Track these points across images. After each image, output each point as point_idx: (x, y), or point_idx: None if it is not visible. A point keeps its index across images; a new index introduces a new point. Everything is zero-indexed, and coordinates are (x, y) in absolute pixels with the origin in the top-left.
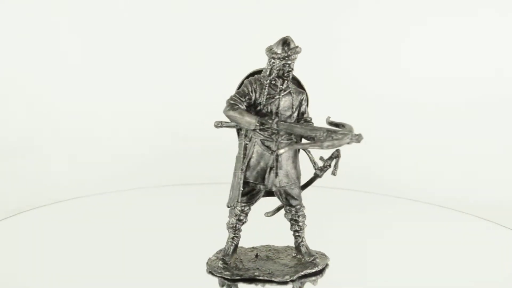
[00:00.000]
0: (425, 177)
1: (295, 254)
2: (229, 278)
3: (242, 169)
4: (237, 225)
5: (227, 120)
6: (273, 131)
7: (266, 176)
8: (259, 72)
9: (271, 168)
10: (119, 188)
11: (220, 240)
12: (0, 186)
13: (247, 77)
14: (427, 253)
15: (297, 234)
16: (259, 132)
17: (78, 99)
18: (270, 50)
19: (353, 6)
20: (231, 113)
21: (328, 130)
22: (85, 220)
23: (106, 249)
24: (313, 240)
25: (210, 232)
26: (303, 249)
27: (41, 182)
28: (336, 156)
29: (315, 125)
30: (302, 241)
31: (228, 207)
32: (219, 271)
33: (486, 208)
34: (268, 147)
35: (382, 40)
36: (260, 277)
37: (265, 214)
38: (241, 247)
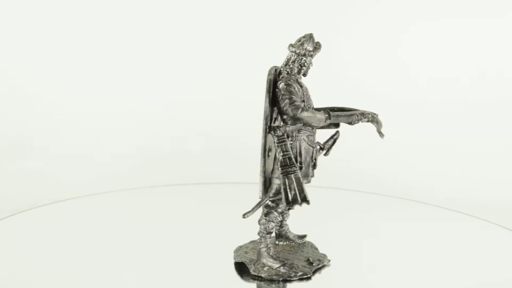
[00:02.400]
0: (425, 177)
1: (281, 242)
2: (309, 275)
3: (301, 168)
4: (274, 228)
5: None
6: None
7: (311, 169)
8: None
9: (313, 161)
10: (119, 188)
11: (220, 240)
12: (0, 186)
13: (274, 77)
14: (427, 253)
15: (285, 222)
16: (304, 128)
17: (78, 99)
18: (301, 47)
19: (355, 6)
20: (305, 114)
21: (357, 113)
22: (85, 220)
23: (106, 249)
24: (313, 240)
25: (211, 232)
26: (291, 235)
27: (41, 182)
28: (336, 137)
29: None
30: (288, 228)
31: (289, 208)
32: (293, 274)
33: (486, 208)
34: (312, 141)
35: (383, 40)
36: (316, 267)
37: (244, 216)
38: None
